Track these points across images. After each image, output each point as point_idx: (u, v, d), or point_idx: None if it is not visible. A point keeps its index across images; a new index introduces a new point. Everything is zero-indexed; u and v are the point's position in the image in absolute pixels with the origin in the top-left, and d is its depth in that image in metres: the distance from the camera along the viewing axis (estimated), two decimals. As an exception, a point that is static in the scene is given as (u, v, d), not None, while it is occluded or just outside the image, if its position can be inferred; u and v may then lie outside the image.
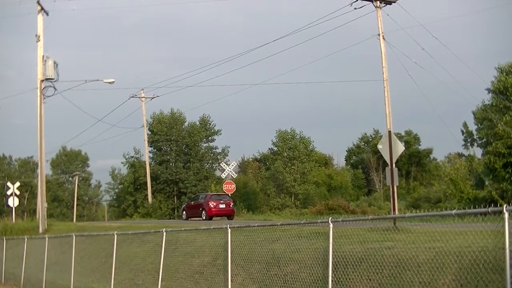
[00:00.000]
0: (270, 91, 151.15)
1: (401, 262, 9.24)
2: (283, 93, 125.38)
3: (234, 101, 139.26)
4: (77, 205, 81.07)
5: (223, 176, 43.11)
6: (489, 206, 7.84)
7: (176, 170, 58.01)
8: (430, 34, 28.53)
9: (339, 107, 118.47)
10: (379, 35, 22.56)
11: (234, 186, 40.98)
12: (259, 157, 73.70)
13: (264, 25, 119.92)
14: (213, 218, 33.82)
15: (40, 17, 30.83)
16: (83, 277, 18.52)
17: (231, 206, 35.12)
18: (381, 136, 23.18)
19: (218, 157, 61.74)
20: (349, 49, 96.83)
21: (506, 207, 7.45)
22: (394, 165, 19.28)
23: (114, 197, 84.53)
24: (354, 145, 78.46)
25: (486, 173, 35.59)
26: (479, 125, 56.74)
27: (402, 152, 20.30)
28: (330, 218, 10.54)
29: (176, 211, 55.67)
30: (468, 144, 56.80)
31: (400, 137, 61.34)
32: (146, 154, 55.60)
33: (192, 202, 37.79)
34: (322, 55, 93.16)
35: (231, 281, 12.49)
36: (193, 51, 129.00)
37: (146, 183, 54.27)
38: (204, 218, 34.05)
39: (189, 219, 35.90)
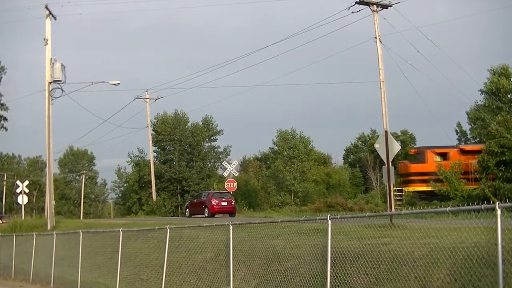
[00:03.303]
0: (271, 92, 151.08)
1: (397, 258, 9.25)
2: (283, 94, 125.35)
3: (236, 102, 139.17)
4: (83, 202, 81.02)
5: (225, 174, 43.10)
6: (482, 203, 7.85)
7: (179, 169, 58.01)
8: (425, 37, 28.46)
9: (337, 108, 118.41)
10: (375, 38, 22.57)
11: (235, 184, 40.96)
12: (260, 156, 73.67)
13: (265, 29, 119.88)
14: (215, 215, 33.78)
15: (48, 21, 30.86)
16: (89, 272, 18.54)
17: (232, 203, 35.08)
18: (378, 136, 23.13)
19: (220, 156, 61.72)
20: (347, 51, 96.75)
21: (498, 204, 7.46)
22: (390, 163, 19.28)
23: (120, 195, 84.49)
24: (352, 144, 78.43)
25: (479, 171, 35.56)
26: (472, 125, 56.75)
27: (398, 151, 20.30)
28: (329, 215, 10.55)
29: (179, 208, 55.66)
30: (462, 143, 56.77)
31: (396, 136, 61.28)
32: (150, 154, 55.60)
33: (195, 200, 37.76)
34: (321, 57, 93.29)
35: (233, 276, 12.51)
36: (196, 54, 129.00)
37: (150, 181, 54.26)
38: (206, 215, 34.02)
39: (192, 216, 35.88)
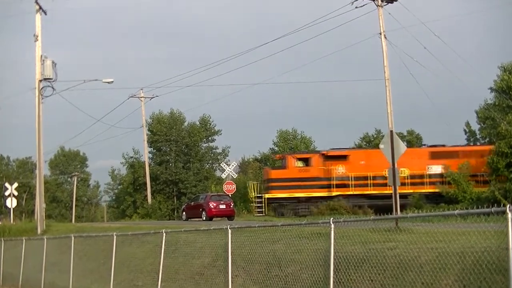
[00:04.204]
0: (270, 90, 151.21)
1: (403, 263, 9.24)
2: (284, 92, 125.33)
3: (235, 101, 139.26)
4: (75, 206, 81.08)
5: (223, 176, 43.14)
6: (492, 206, 7.83)
7: (176, 171, 58.04)
8: (432, 32, 28.53)
9: (340, 107, 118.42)
10: (380, 34, 22.60)
11: (234, 186, 41.00)
12: (259, 157, 73.67)
13: (264, 24, 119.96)
14: (213, 219, 33.82)
15: (38, 17, 30.82)
16: (82, 278, 18.54)
17: (231, 206, 35.12)
18: (383, 136, 23.17)
19: (218, 157, 61.80)
20: (351, 48, 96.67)
21: (509, 207, 7.44)
22: (396, 165, 19.29)
23: (113, 197, 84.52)
24: (355, 145, 78.44)
25: (489, 173, 35.58)
26: (481, 125, 56.75)
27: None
28: (332, 218, 10.55)
29: (176, 211, 55.69)
30: (471, 144, 56.79)
31: (402, 136, 61.29)
32: (145, 155, 55.63)
33: (192, 202, 37.78)
34: (323, 54, 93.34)
35: (232, 282, 12.49)
36: (193, 51, 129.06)
37: (145, 183, 54.28)
38: (204, 218, 34.06)
39: (189, 219, 35.91)
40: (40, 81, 30.68)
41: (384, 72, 22.40)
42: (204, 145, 62.11)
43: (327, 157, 40.02)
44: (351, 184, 38.92)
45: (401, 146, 19.61)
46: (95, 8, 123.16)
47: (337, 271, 10.09)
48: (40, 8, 30.80)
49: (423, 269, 8.95)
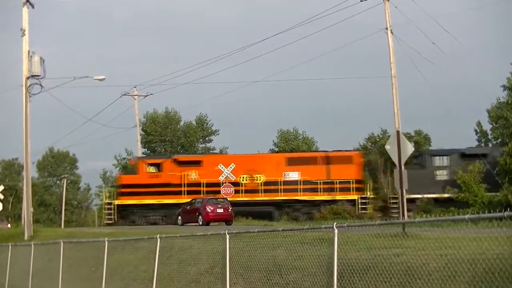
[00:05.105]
0: (271, 88, 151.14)
1: (411, 270, 9.25)
2: (284, 91, 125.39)
3: (233, 100, 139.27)
4: (65, 210, 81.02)
5: (221, 178, 43.14)
6: (505, 211, 7.83)
7: (171, 173, 58.03)
8: (441, 27, 28.55)
9: (344, 106, 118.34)
10: (386, 29, 22.64)
11: (232, 189, 41.00)
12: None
13: (264, 20, 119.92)
14: (211, 224, 33.82)
15: (25, 10, 30.75)
16: (71, 286, 18.55)
17: (229, 210, 35.10)
18: (389, 136, 23.23)
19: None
20: (356, 45, 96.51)
21: (522, 211, 7.44)
22: (403, 167, 19.31)
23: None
24: (360, 145, 78.41)
25: (502, 175, 35.59)
26: (493, 124, 56.77)
27: (412, 153, 20.34)
28: (335, 223, 10.55)
29: (171, 216, 55.65)
30: (482, 144, 56.81)
31: (409, 137, 61.26)
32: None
33: (188, 206, 37.76)
34: (326, 51, 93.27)
35: (230, 290, 12.51)
36: (189, 48, 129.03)
37: (139, 186, 54.31)
38: (201, 223, 34.07)
39: (185, 224, 35.93)
40: (28, 78, 30.62)
41: (391, 69, 22.44)
42: (201, 145, 62.13)
43: (180, 163, 40.83)
44: (203, 191, 39.61)
45: (408, 147, 19.63)
46: (86, 2, 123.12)
47: (340, 278, 10.10)
48: (28, 1, 30.76)
49: (432, 277, 8.95)
